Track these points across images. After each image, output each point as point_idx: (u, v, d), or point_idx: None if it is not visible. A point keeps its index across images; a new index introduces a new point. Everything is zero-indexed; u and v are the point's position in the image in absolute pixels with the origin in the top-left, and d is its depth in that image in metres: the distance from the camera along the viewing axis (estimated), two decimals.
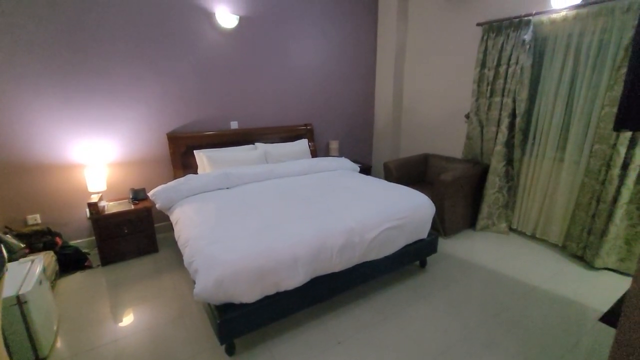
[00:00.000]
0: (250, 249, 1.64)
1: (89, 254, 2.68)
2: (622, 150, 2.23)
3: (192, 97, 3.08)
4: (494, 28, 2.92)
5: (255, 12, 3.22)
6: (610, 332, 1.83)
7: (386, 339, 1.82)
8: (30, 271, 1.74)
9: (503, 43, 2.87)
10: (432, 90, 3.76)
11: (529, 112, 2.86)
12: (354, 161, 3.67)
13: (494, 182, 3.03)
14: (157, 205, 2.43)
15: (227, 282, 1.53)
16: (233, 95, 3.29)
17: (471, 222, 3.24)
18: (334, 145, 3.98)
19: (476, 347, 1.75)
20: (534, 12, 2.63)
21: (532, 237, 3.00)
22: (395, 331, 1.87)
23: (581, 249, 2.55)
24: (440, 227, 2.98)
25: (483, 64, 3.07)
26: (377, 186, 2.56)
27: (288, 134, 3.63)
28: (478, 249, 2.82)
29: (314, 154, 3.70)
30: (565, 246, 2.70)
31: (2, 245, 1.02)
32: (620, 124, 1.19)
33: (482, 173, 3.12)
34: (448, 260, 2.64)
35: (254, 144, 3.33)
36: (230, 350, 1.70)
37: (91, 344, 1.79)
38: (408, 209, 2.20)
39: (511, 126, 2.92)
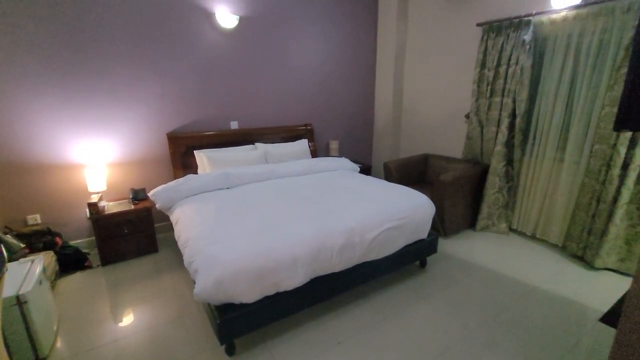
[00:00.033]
0: (250, 249, 1.64)
1: (89, 254, 2.68)
2: (622, 150, 2.22)
3: (192, 97, 3.08)
4: (494, 28, 2.92)
5: (255, 12, 3.22)
6: (611, 332, 1.83)
7: (386, 339, 1.82)
8: (30, 271, 1.74)
9: (503, 43, 2.87)
10: (432, 90, 3.76)
11: (529, 112, 2.86)
12: (354, 161, 3.67)
13: (494, 182, 3.03)
14: (157, 206, 2.43)
15: (227, 282, 1.53)
16: (233, 95, 3.29)
17: (471, 222, 3.24)
18: (334, 145, 3.98)
19: (476, 347, 1.75)
20: (534, 12, 2.63)
21: (532, 237, 3.00)
22: (396, 331, 1.87)
23: (581, 249, 2.55)
24: (440, 227, 2.97)
25: (483, 64, 3.07)
26: (377, 186, 2.56)
27: (288, 134, 3.63)
28: (478, 249, 2.82)
29: (314, 154, 3.70)
30: (565, 246, 2.70)
31: (2, 245, 1.02)
32: (620, 124, 1.19)
33: (482, 173, 3.12)
34: (448, 260, 2.64)
35: (254, 144, 3.33)
36: (230, 351, 1.70)
37: (91, 344, 1.79)
38: (408, 209, 2.20)
39: (511, 126, 2.92)
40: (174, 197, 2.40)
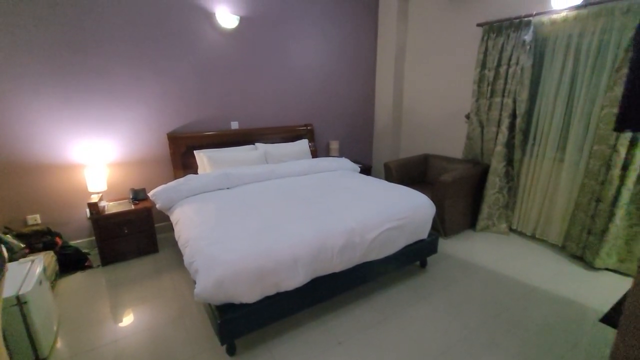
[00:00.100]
0: (251, 250, 1.64)
1: (89, 254, 2.67)
2: (622, 150, 2.23)
3: (192, 97, 3.08)
4: (495, 28, 2.92)
5: (256, 13, 3.22)
6: (611, 332, 1.83)
7: (387, 339, 1.82)
8: (30, 271, 1.74)
9: (503, 43, 2.87)
10: (433, 90, 3.76)
11: (529, 112, 2.86)
12: (354, 161, 3.67)
13: (494, 182, 3.03)
14: (157, 206, 2.43)
15: (227, 283, 1.53)
16: (233, 95, 3.29)
17: (471, 222, 3.24)
18: (334, 145, 3.98)
19: (476, 347, 1.75)
20: (534, 12, 2.63)
21: (532, 237, 3.00)
22: (396, 331, 1.87)
23: (581, 249, 2.55)
24: (441, 227, 2.98)
25: (483, 65, 3.07)
26: (377, 186, 2.56)
27: (288, 134, 3.63)
28: (478, 250, 2.82)
29: (314, 154, 3.70)
30: (565, 246, 2.70)
31: (2, 246, 1.02)
32: (621, 125, 1.20)
33: (482, 173, 3.12)
34: (448, 260, 2.64)
35: (254, 144, 3.33)
36: (230, 351, 1.70)
37: (91, 344, 1.79)
38: (408, 210, 2.20)
39: (511, 127, 2.92)
40: (174, 197, 2.40)
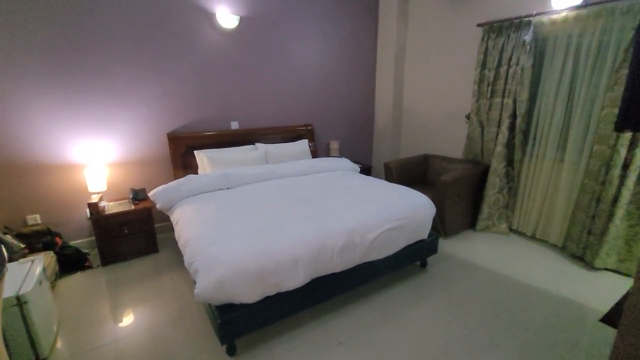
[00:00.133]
0: (251, 250, 1.64)
1: (89, 254, 2.67)
2: (622, 151, 2.23)
3: (192, 97, 3.08)
4: (495, 29, 2.93)
5: (256, 13, 3.22)
6: (611, 332, 1.83)
7: (387, 339, 1.82)
8: (30, 271, 1.74)
9: (503, 43, 2.87)
10: (433, 90, 3.77)
11: (529, 112, 2.86)
12: (355, 161, 3.67)
13: (494, 182, 3.03)
14: (157, 206, 2.43)
15: (227, 283, 1.53)
16: (233, 95, 3.29)
17: (471, 222, 3.24)
18: (335, 145, 3.98)
19: (476, 347, 1.75)
20: (534, 12, 2.63)
21: (532, 237, 3.00)
22: (396, 331, 1.87)
23: (581, 249, 2.55)
24: (441, 227, 2.98)
25: (483, 65, 3.07)
26: (377, 187, 2.56)
27: (288, 134, 3.63)
28: (478, 250, 2.82)
29: (315, 154, 3.70)
30: (565, 247, 2.70)
31: (2, 246, 1.02)
32: (621, 125, 1.20)
33: (483, 174, 3.12)
34: (448, 260, 2.64)
35: (254, 144, 3.33)
36: (230, 351, 1.70)
37: (91, 344, 1.79)
38: (408, 210, 2.20)
39: (512, 127, 2.92)
40: (175, 197, 2.39)
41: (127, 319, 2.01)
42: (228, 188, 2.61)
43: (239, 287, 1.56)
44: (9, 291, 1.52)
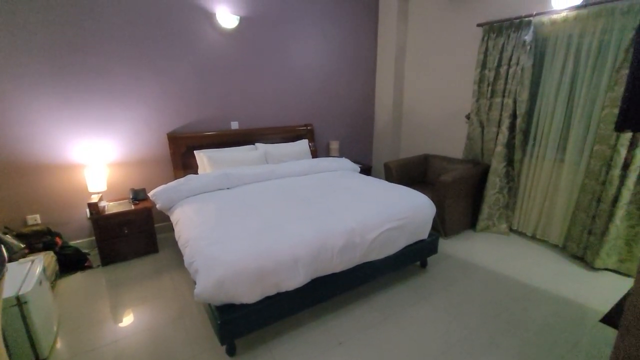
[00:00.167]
0: (251, 250, 1.64)
1: (89, 254, 2.67)
2: (623, 151, 2.23)
3: (192, 97, 3.08)
4: (495, 29, 2.92)
5: (256, 13, 3.22)
6: (611, 332, 1.83)
7: (387, 339, 1.81)
8: (30, 271, 1.73)
9: (504, 44, 2.87)
10: (433, 90, 3.76)
11: (529, 112, 2.86)
12: (355, 161, 3.67)
13: (494, 182, 3.03)
14: (157, 206, 2.42)
15: (227, 283, 1.53)
16: (233, 95, 3.29)
17: (471, 222, 3.24)
18: (335, 145, 3.98)
19: (476, 347, 1.75)
20: (534, 12, 2.63)
21: (533, 237, 3.00)
22: (396, 331, 1.87)
23: (581, 249, 2.55)
24: (441, 227, 2.97)
25: (484, 65, 3.07)
26: (377, 187, 2.56)
27: (288, 135, 3.63)
28: (478, 250, 2.82)
29: (315, 154, 3.70)
30: (565, 247, 2.70)
31: (2, 246, 1.02)
32: (621, 125, 1.20)
33: (483, 174, 3.12)
34: (449, 260, 2.64)
35: (254, 144, 3.32)
36: (231, 351, 1.70)
37: (91, 344, 1.79)
38: (409, 210, 2.20)
39: (512, 127, 2.92)
40: (175, 197, 2.39)
41: (127, 319, 2.01)
42: (228, 188, 2.61)
43: (239, 287, 1.56)
44: (9, 291, 1.52)
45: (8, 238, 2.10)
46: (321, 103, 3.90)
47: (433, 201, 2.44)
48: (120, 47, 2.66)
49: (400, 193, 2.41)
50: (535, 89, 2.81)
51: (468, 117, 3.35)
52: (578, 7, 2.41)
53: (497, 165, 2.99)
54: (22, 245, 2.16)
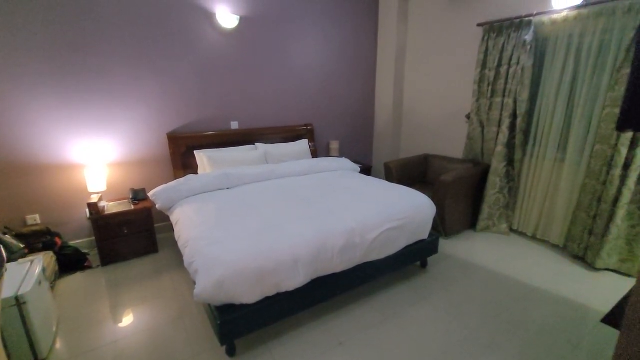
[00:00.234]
0: (251, 250, 1.64)
1: (88, 255, 2.67)
2: (624, 150, 2.22)
3: (192, 97, 3.07)
4: (495, 28, 2.92)
5: (256, 12, 3.22)
6: (612, 333, 1.82)
7: (387, 339, 1.81)
8: (29, 272, 1.73)
9: (504, 43, 2.87)
10: (433, 90, 3.76)
11: (530, 112, 2.85)
12: (355, 161, 3.67)
13: (494, 182, 3.02)
14: (157, 206, 2.42)
15: (227, 283, 1.52)
16: (233, 95, 3.29)
17: (472, 222, 3.23)
18: (335, 145, 3.98)
19: (477, 347, 1.75)
20: (534, 12, 2.62)
21: (533, 238, 2.99)
22: (397, 331, 1.86)
23: (582, 249, 2.54)
24: (441, 227, 2.97)
25: (484, 65, 3.06)
26: (377, 187, 2.56)
27: (288, 134, 3.62)
28: (479, 250, 2.81)
29: (315, 154, 3.70)
30: (566, 247, 2.70)
31: (1, 246, 1.02)
32: (622, 125, 1.19)
33: (483, 174, 3.12)
34: (449, 260, 2.63)
35: (254, 144, 3.32)
36: (230, 351, 1.69)
37: (91, 345, 1.79)
38: (409, 210, 2.19)
39: (512, 127, 2.91)
40: (174, 197, 2.39)
41: (127, 320, 2.00)
42: (228, 188, 2.60)
43: (238, 287, 1.55)
44: (8, 291, 1.52)
45: (7, 238, 2.11)
46: (321, 103, 3.90)
47: (433, 201, 2.44)
48: (120, 47, 2.66)
49: (401, 193, 2.41)
50: (535, 88, 2.81)
51: (468, 117, 3.34)
52: (578, 7, 2.41)
53: (498, 165, 2.98)
54: (22, 246, 2.15)
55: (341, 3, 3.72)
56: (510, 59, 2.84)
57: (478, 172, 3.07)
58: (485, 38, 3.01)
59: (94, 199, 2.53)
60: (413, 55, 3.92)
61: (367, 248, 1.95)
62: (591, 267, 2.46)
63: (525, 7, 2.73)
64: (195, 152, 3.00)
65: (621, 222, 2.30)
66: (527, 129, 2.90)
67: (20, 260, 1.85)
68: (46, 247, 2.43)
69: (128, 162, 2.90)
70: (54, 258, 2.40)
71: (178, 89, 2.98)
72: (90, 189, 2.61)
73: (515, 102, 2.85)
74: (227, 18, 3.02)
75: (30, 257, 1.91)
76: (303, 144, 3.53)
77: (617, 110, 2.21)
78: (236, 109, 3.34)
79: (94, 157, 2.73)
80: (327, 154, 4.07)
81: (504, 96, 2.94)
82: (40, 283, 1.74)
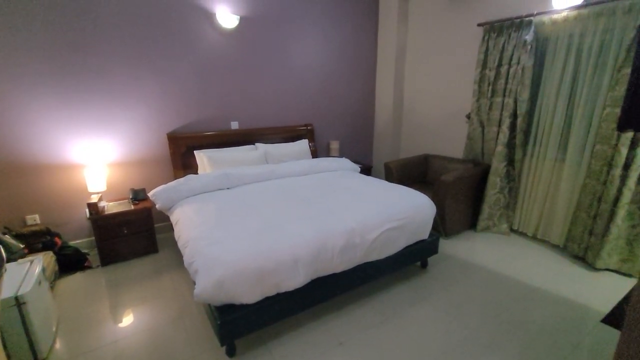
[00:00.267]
0: (251, 250, 1.64)
1: (88, 255, 2.67)
2: (624, 150, 2.22)
3: (192, 97, 3.07)
4: (495, 28, 2.92)
5: (256, 12, 3.22)
6: (612, 333, 1.82)
7: (387, 339, 1.81)
8: (29, 272, 1.73)
9: (504, 43, 2.87)
10: (433, 90, 3.76)
11: (530, 112, 2.85)
12: (355, 161, 3.67)
13: (494, 182, 3.02)
14: (157, 206, 2.42)
15: (227, 283, 1.52)
16: (233, 95, 3.29)
17: (472, 222, 3.23)
18: (335, 145, 3.98)
19: (477, 347, 1.74)
20: (535, 12, 2.62)
21: (533, 238, 2.99)
22: (397, 332, 1.86)
23: (582, 249, 2.54)
24: (441, 227, 2.97)
25: (484, 64, 3.06)
26: (377, 187, 2.56)
27: (288, 134, 3.62)
28: (479, 250, 2.81)
29: (315, 154, 3.70)
30: (566, 247, 2.69)
31: (0, 246, 1.02)
32: (623, 124, 1.19)
33: (483, 174, 3.12)
34: (449, 261, 2.63)
35: (254, 144, 3.32)
36: (230, 352, 1.69)
37: (91, 345, 1.78)
38: (409, 210, 2.19)
39: (512, 126, 2.91)
40: (174, 197, 2.39)
41: (127, 320, 2.00)
42: (228, 188, 2.60)
43: (238, 287, 1.55)
44: (8, 291, 1.52)
45: (7, 238, 2.11)
46: (321, 103, 3.90)
47: (433, 201, 2.44)
48: (120, 47, 2.66)
49: (401, 193, 2.41)
50: (535, 88, 2.80)
51: (468, 116, 3.34)
52: (579, 7, 2.41)
53: (498, 165, 2.98)
54: (21, 246, 2.15)
55: (341, 3, 3.72)
56: (511, 59, 2.83)
57: (478, 172, 3.07)
58: (486, 38, 3.00)
59: (94, 199, 2.53)
60: (413, 55, 3.92)
61: (367, 248, 1.95)
62: (591, 267, 2.46)
63: (526, 7, 2.73)
64: (195, 152, 2.99)
65: (621, 222, 2.30)
66: (527, 129, 2.89)
67: (20, 260, 1.85)
68: (46, 247, 2.43)
69: (128, 162, 2.90)
70: (54, 258, 2.39)
71: (178, 89, 2.98)
72: (90, 189, 2.61)
73: (515, 102, 2.85)
74: (227, 18, 3.02)
75: (30, 257, 1.91)
76: (303, 144, 3.53)
77: (618, 110, 2.21)
78: (236, 109, 3.34)
79: (94, 157, 2.72)
80: (327, 154, 4.06)
81: (504, 96, 2.94)
82: (40, 283, 1.74)
